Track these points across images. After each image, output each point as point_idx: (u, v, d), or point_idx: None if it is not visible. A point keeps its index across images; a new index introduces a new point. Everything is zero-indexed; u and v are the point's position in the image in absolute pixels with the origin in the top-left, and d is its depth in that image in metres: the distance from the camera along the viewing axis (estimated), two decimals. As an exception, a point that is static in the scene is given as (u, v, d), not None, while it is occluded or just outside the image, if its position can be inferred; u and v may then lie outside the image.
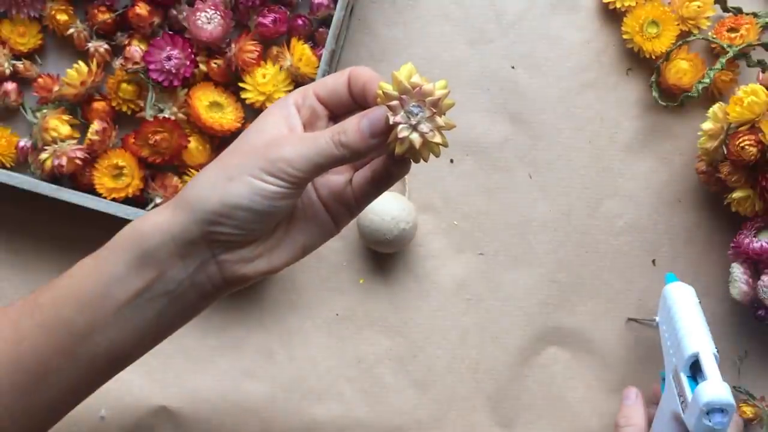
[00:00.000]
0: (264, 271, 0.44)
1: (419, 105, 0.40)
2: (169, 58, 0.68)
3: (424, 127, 0.40)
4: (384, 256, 0.71)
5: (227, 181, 0.40)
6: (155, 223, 0.41)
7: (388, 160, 0.43)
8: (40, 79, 0.70)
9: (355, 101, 0.44)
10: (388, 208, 0.67)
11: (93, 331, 0.41)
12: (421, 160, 0.42)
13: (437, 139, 0.41)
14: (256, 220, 0.41)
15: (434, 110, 0.41)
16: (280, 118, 0.43)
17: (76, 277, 0.42)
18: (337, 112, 0.45)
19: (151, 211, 0.43)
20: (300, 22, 0.70)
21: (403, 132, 0.40)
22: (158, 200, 0.69)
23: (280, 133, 0.43)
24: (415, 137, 0.40)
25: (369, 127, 0.40)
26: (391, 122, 0.40)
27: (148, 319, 0.42)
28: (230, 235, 0.41)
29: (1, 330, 0.42)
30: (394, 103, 0.40)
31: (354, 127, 0.41)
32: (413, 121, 0.40)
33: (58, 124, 0.68)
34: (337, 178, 0.45)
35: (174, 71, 0.68)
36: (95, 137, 0.67)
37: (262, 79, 0.68)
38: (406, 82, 0.40)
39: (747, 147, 0.63)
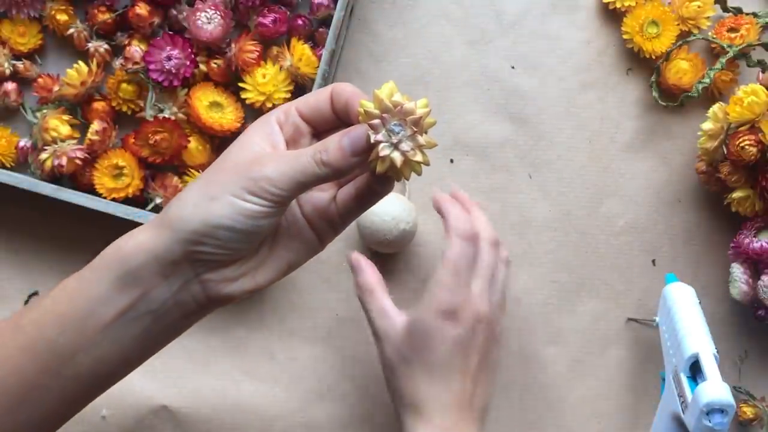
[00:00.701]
0: (249, 289, 0.44)
1: (400, 124, 0.40)
2: (169, 58, 0.68)
3: (405, 146, 0.40)
4: (384, 256, 0.71)
5: (209, 201, 0.40)
6: (138, 243, 0.41)
7: (371, 178, 0.43)
8: (40, 79, 0.70)
9: (338, 118, 0.44)
10: (388, 209, 0.66)
11: (77, 351, 0.41)
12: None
13: (418, 157, 0.41)
14: (239, 239, 0.41)
15: (415, 129, 0.41)
16: (263, 135, 0.43)
17: (58, 298, 0.42)
18: (320, 129, 0.45)
19: (135, 229, 0.42)
20: (300, 22, 0.70)
21: (384, 150, 0.40)
22: (158, 200, 0.69)
23: (262, 150, 0.43)
24: (396, 156, 0.40)
25: (350, 145, 0.40)
26: (372, 140, 0.40)
27: (133, 337, 0.42)
28: (213, 254, 0.41)
29: None
30: (376, 121, 0.40)
31: (335, 145, 0.40)
32: (394, 140, 0.40)
33: (58, 124, 0.68)
34: (321, 195, 0.45)
35: (174, 71, 0.68)
36: (95, 137, 0.67)
37: (262, 79, 0.68)
38: (387, 100, 0.40)
39: (747, 147, 0.63)
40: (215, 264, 0.42)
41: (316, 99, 0.44)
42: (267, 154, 0.42)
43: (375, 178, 0.43)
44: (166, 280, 0.41)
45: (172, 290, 0.42)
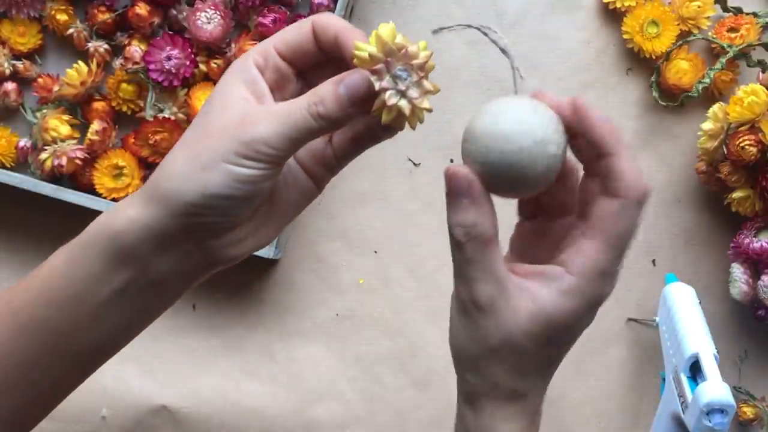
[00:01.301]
0: (252, 248, 0.42)
1: (406, 69, 0.37)
2: (169, 58, 0.68)
3: (413, 93, 0.37)
4: (382, 256, 0.71)
5: (201, 171, 0.37)
6: (130, 219, 0.38)
7: (370, 123, 0.40)
8: (40, 79, 0.70)
9: (324, 53, 0.40)
10: (525, 125, 0.37)
11: (77, 329, 0.40)
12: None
13: (425, 104, 0.38)
14: (238, 206, 0.39)
15: (422, 74, 0.37)
16: (244, 85, 0.39)
17: (50, 278, 0.40)
18: (304, 68, 0.41)
19: (120, 203, 0.39)
20: (300, 22, 0.70)
21: (391, 99, 0.37)
22: (158, 200, 0.69)
23: (247, 104, 0.39)
24: (404, 104, 0.37)
25: (349, 94, 0.37)
26: (377, 88, 0.37)
27: (134, 309, 0.41)
28: (212, 224, 0.39)
29: None
30: (379, 66, 0.36)
31: (331, 95, 0.37)
32: (402, 87, 0.37)
33: (58, 124, 0.68)
34: (315, 140, 0.41)
35: (174, 71, 0.68)
36: (95, 137, 0.67)
37: (262, 79, 0.68)
38: (391, 42, 0.36)
39: (747, 147, 0.63)
40: (215, 233, 0.40)
41: (297, 35, 0.40)
42: (255, 110, 0.38)
43: (377, 126, 0.39)
44: (164, 254, 0.39)
45: (171, 262, 0.40)
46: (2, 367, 0.40)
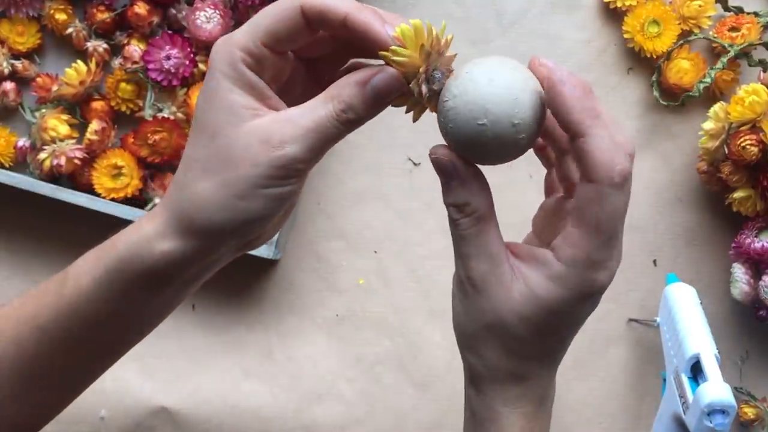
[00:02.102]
0: (270, 236, 0.42)
1: (441, 70, 0.35)
2: (168, 58, 0.68)
3: (445, 94, 0.35)
4: (382, 256, 0.71)
5: (240, 200, 0.36)
6: (165, 253, 0.37)
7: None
8: (38, 79, 0.70)
9: (334, 39, 0.38)
10: (504, 86, 0.36)
11: (100, 343, 0.41)
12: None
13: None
14: (273, 218, 0.38)
15: (450, 71, 0.36)
16: (244, 91, 0.36)
17: (77, 302, 0.39)
18: (301, 55, 0.39)
19: (147, 230, 0.38)
20: (300, 21, 0.70)
21: (429, 101, 0.35)
22: (157, 200, 0.69)
23: (260, 117, 0.36)
24: (433, 101, 0.36)
25: (379, 96, 0.36)
26: (416, 93, 0.35)
27: (156, 315, 0.41)
28: (248, 239, 0.39)
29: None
30: (420, 69, 0.35)
31: (360, 99, 0.36)
32: (436, 87, 0.35)
33: (57, 124, 0.68)
34: None
35: (173, 71, 0.68)
36: (94, 137, 0.67)
37: (262, 79, 0.68)
38: (428, 46, 0.34)
39: (748, 147, 0.63)
40: (245, 245, 0.40)
41: (284, 27, 0.36)
42: (277, 126, 0.36)
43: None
44: (193, 276, 0.39)
45: (198, 277, 0.40)
46: (26, 376, 0.40)
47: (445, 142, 0.37)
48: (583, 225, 0.36)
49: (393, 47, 0.34)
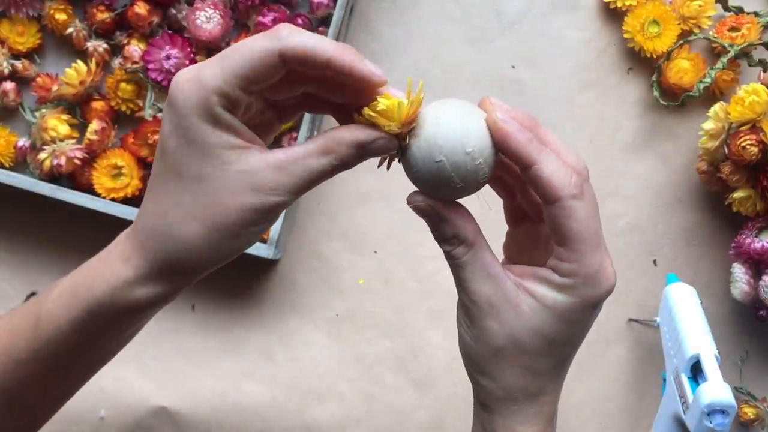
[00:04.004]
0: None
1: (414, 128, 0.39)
2: (168, 58, 0.68)
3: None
4: (382, 256, 0.71)
5: (231, 239, 0.37)
6: (149, 299, 0.38)
7: None
8: (38, 79, 0.70)
9: (310, 81, 0.39)
10: (464, 131, 0.39)
11: (83, 365, 0.42)
12: None
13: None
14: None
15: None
16: (225, 132, 0.36)
17: (55, 340, 0.39)
18: (272, 97, 0.39)
19: (132, 277, 0.37)
20: (300, 21, 0.70)
21: (402, 155, 0.40)
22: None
23: (242, 153, 0.36)
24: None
25: (371, 156, 0.39)
26: (401, 146, 0.39)
27: (129, 339, 0.43)
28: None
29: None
30: (402, 131, 0.38)
31: (354, 155, 0.38)
32: (407, 142, 0.39)
33: (57, 124, 0.68)
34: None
35: (173, 71, 0.68)
36: (94, 137, 0.67)
37: (262, 79, 0.68)
38: (406, 117, 0.38)
39: (748, 147, 0.63)
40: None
41: (261, 71, 0.35)
42: (264, 174, 0.36)
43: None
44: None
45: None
46: (38, 361, 0.40)
47: (416, 188, 0.41)
48: (566, 241, 0.38)
49: (380, 122, 0.38)
